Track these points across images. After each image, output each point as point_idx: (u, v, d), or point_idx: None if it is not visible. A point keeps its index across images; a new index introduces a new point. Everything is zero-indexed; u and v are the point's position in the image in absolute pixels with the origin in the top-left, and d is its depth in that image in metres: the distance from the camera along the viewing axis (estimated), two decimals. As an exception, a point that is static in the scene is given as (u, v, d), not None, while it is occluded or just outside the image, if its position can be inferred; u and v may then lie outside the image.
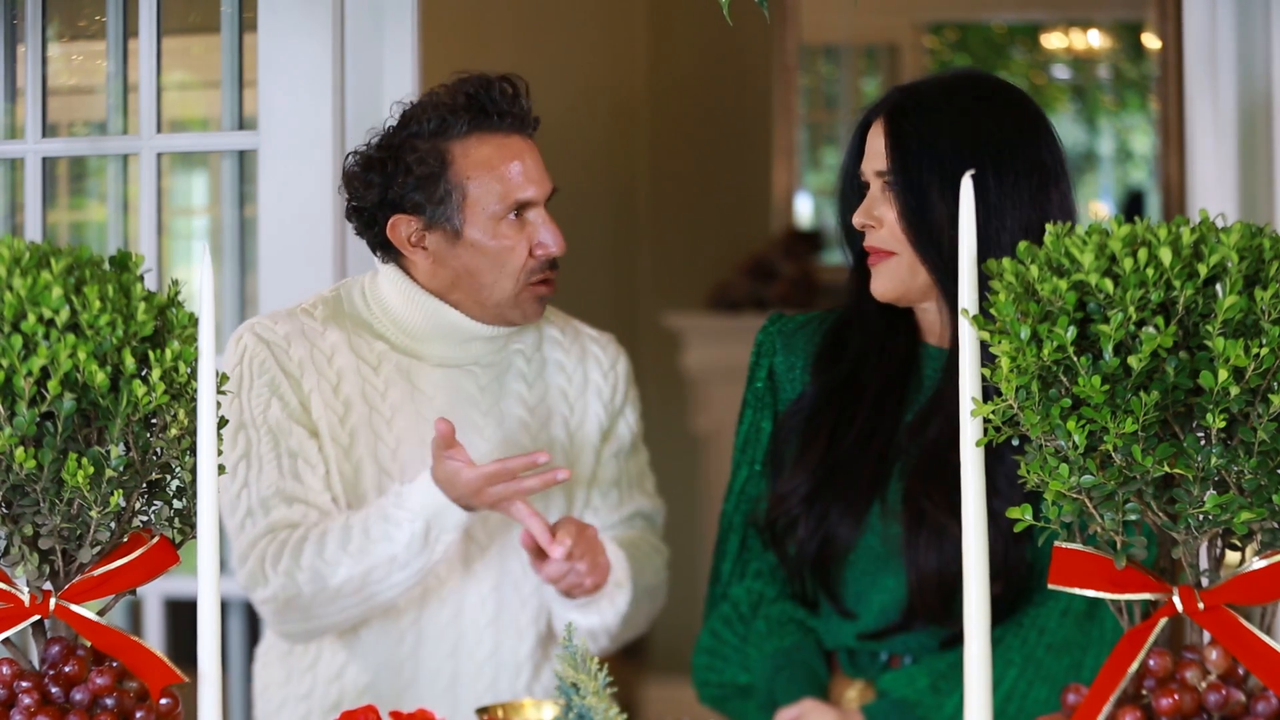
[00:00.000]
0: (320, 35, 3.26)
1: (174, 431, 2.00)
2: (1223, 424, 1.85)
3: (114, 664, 1.98)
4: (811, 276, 5.90)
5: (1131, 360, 1.84)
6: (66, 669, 1.96)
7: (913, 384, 2.69)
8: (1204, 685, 1.89)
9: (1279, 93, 3.05)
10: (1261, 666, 1.87)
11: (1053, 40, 6.26)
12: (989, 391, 1.91)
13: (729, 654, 2.73)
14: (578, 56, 5.82)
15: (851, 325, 2.73)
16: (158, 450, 2.01)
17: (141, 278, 2.03)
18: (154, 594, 3.73)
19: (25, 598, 1.98)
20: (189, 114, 4.04)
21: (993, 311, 1.90)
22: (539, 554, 2.69)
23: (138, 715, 1.97)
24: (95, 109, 3.63)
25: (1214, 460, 1.87)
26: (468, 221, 2.73)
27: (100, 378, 1.93)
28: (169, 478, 2.05)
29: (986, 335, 1.89)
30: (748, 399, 2.78)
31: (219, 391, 1.97)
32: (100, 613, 2.00)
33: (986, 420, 1.90)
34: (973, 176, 2.55)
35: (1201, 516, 1.89)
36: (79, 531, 1.98)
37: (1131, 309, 1.85)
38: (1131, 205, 6.20)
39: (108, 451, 1.96)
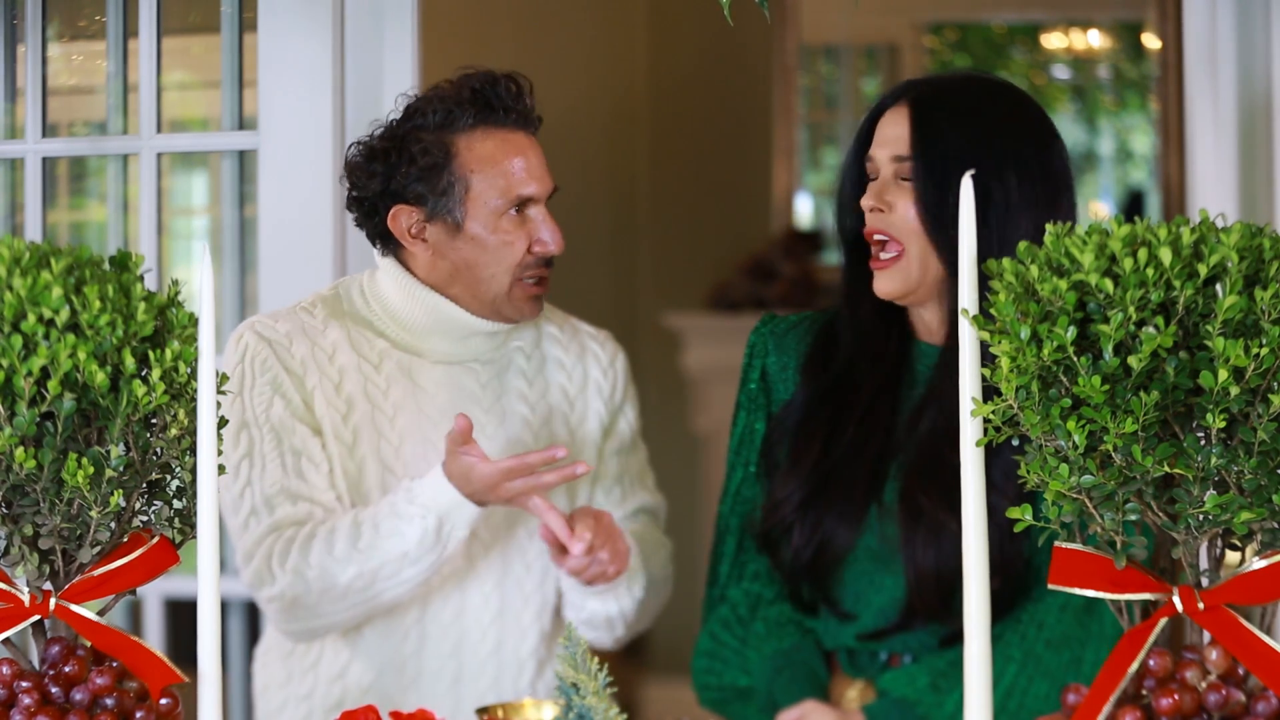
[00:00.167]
0: (320, 35, 3.26)
1: (174, 431, 2.00)
2: (1223, 424, 1.85)
3: (114, 664, 1.98)
4: (811, 276, 5.90)
5: (1131, 360, 1.84)
6: (66, 669, 1.96)
7: (905, 382, 2.69)
8: (1204, 685, 1.89)
9: (1279, 93, 3.05)
10: (1261, 666, 1.87)
11: (1053, 40, 6.26)
12: (989, 391, 1.91)
13: (728, 657, 2.73)
14: (578, 56, 5.82)
15: (841, 327, 2.73)
16: (158, 450, 2.01)
17: (141, 278, 2.03)
18: (154, 594, 3.73)
19: (25, 598, 1.98)
20: (189, 114, 4.04)
21: (993, 311, 1.90)
22: (560, 548, 2.69)
23: (138, 715, 1.97)
24: (95, 109, 3.63)
25: (1214, 460, 1.87)
26: (469, 215, 2.74)
27: (100, 378, 1.93)
28: (169, 478, 2.05)
29: (986, 335, 1.89)
30: (741, 400, 2.78)
31: (219, 391, 1.97)
32: (100, 613, 2.00)
33: (986, 420, 1.90)
34: (992, 178, 2.58)
35: (1201, 516, 1.89)
36: (79, 531, 1.98)
37: (1131, 309, 1.85)
38: (1131, 205, 6.20)
39: (108, 451, 1.96)
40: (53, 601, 1.98)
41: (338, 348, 2.79)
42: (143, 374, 1.97)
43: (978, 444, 1.90)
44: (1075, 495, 1.89)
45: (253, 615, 3.94)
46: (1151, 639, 1.90)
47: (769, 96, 6.09)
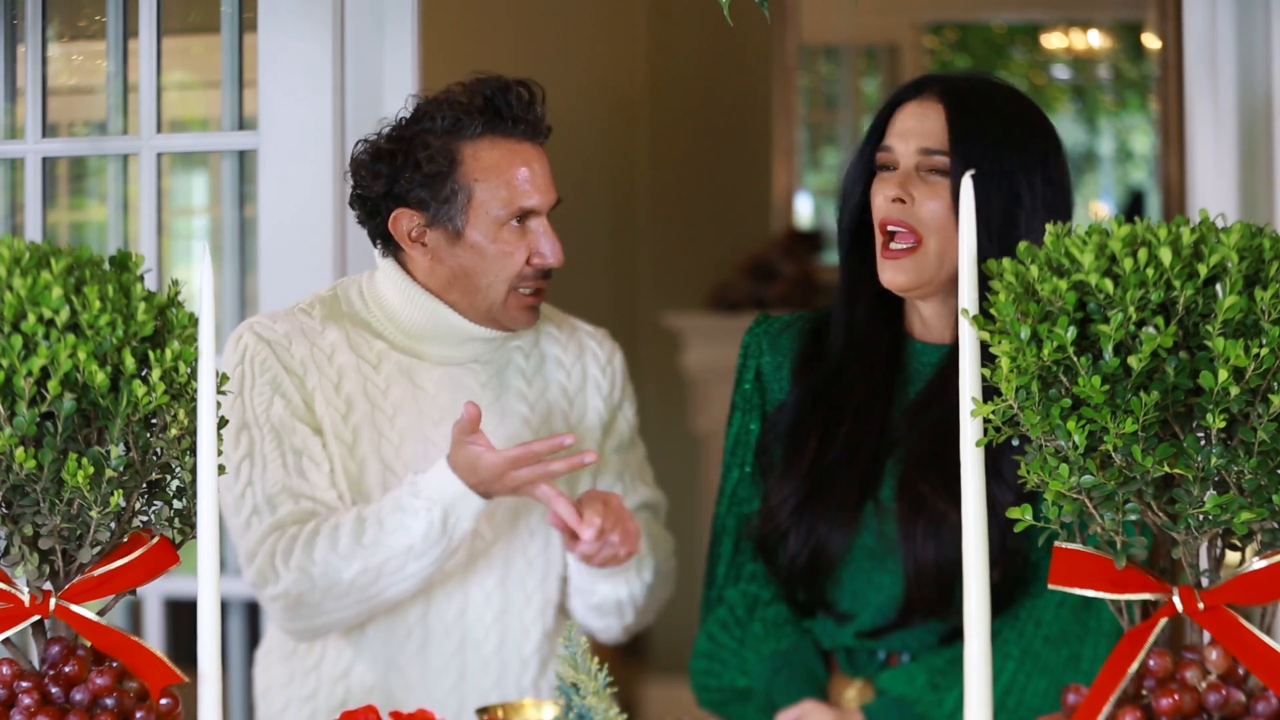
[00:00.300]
0: (320, 35, 3.26)
1: (174, 431, 2.00)
2: (1223, 424, 1.85)
3: (114, 664, 1.98)
4: (811, 276, 5.90)
5: (1131, 360, 1.84)
6: (66, 669, 1.96)
7: (900, 380, 2.69)
8: (1204, 685, 1.89)
9: (1279, 93, 3.05)
10: (1261, 666, 1.87)
11: (1053, 40, 6.26)
12: (989, 391, 1.91)
13: (726, 658, 2.73)
14: (578, 56, 5.82)
15: (834, 325, 2.72)
16: (158, 450, 2.01)
17: (141, 278, 2.03)
18: (154, 594, 3.73)
19: (25, 598, 1.98)
20: (189, 114, 4.04)
21: (993, 311, 1.90)
22: (570, 535, 2.70)
23: (138, 715, 1.97)
24: (95, 109, 3.63)
25: (1214, 460, 1.87)
26: (470, 223, 2.74)
27: (100, 378, 1.93)
28: (169, 478, 2.05)
29: (987, 335, 1.89)
30: (736, 401, 2.79)
31: (219, 392, 1.97)
32: (100, 613, 2.00)
33: (986, 420, 1.90)
34: (1020, 181, 2.59)
35: (1201, 516, 1.89)
36: (79, 531, 1.98)
37: (1131, 309, 1.85)
38: (1131, 205, 6.20)
39: (108, 451, 1.96)
40: (53, 601, 1.98)
41: (336, 348, 2.79)
42: (143, 374, 1.97)
43: (978, 444, 1.90)
44: (1075, 495, 1.89)
45: (253, 615, 3.94)
46: (1151, 639, 1.90)
47: (769, 96, 6.08)
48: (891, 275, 2.62)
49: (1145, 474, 1.87)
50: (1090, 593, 1.92)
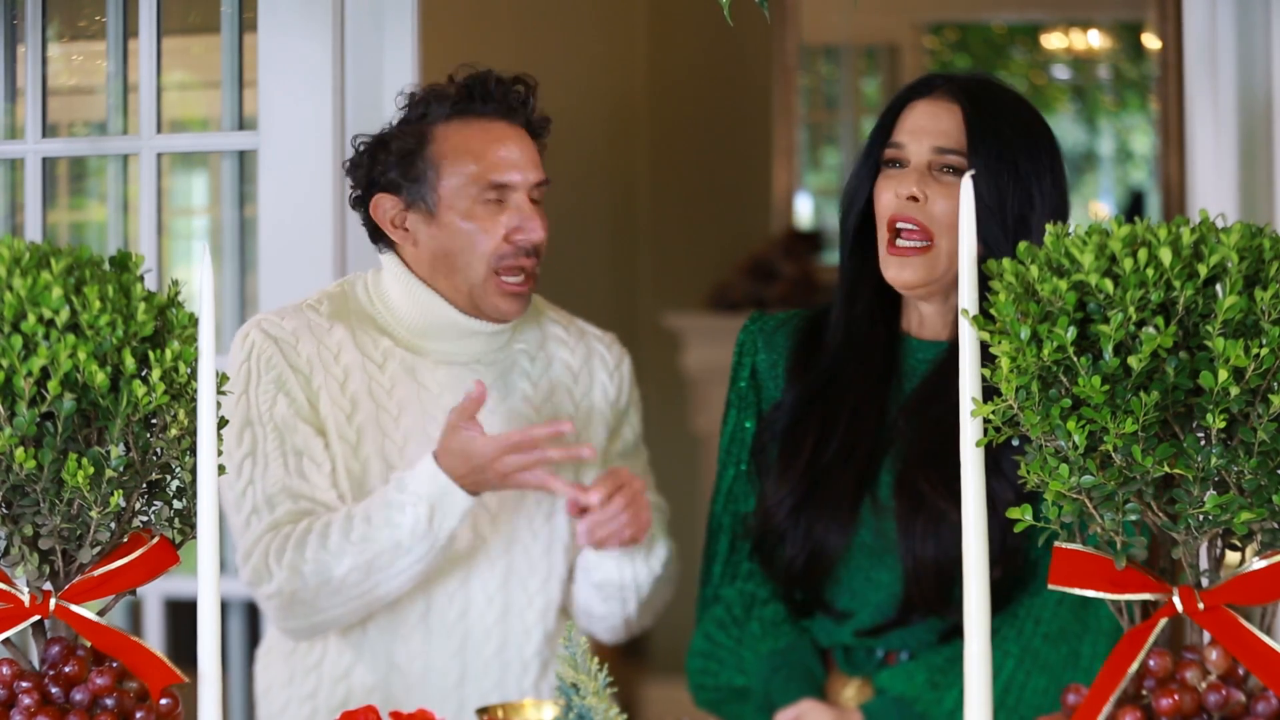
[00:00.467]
0: (320, 35, 3.26)
1: (174, 432, 2.00)
2: (1223, 424, 1.85)
3: (114, 664, 1.98)
4: (811, 276, 5.90)
5: (1131, 360, 1.84)
6: (66, 669, 1.96)
7: (894, 378, 2.69)
8: (1204, 685, 1.89)
9: (1279, 93, 3.05)
10: (1261, 666, 1.87)
11: (1053, 40, 6.26)
12: (989, 391, 1.91)
13: (724, 657, 2.73)
14: (578, 56, 5.82)
15: (831, 323, 2.72)
16: (158, 450, 2.01)
17: (141, 278, 2.03)
18: (154, 594, 3.73)
19: (25, 598, 1.98)
20: (189, 114, 4.04)
21: (993, 312, 1.90)
22: (580, 511, 2.69)
23: (138, 715, 1.97)
24: (95, 109, 3.63)
25: (1214, 460, 1.87)
26: (442, 201, 2.75)
27: (100, 378, 1.93)
28: (169, 478, 2.05)
29: (987, 335, 1.89)
30: (731, 399, 2.79)
31: (219, 392, 1.97)
32: (100, 613, 2.00)
33: (986, 420, 1.90)
34: (1033, 182, 2.59)
35: (1201, 517, 1.89)
36: (79, 532, 1.98)
37: (1131, 309, 1.85)
38: (1132, 205, 6.20)
39: (108, 452, 1.96)
40: (53, 602, 1.98)
41: (343, 346, 2.79)
42: (143, 374, 1.97)
43: (977, 444, 1.90)
44: (1075, 495, 1.89)
45: (253, 615, 3.94)
46: (1151, 639, 1.90)
47: (769, 96, 6.08)
48: (897, 272, 2.62)
49: (1145, 474, 1.87)
50: (1090, 593, 1.92)
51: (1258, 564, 1.91)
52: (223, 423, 1.99)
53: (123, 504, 2.00)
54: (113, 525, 2.01)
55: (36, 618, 1.99)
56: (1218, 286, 1.85)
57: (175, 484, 2.05)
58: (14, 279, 1.92)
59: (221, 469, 1.99)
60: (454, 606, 2.80)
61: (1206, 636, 1.91)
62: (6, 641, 1.99)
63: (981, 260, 2.58)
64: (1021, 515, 1.90)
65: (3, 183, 3.55)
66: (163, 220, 3.44)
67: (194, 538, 2.01)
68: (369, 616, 2.79)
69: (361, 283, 2.86)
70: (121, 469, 1.97)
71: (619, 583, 2.80)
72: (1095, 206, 6.26)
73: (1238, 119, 3.08)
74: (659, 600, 2.88)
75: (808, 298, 5.74)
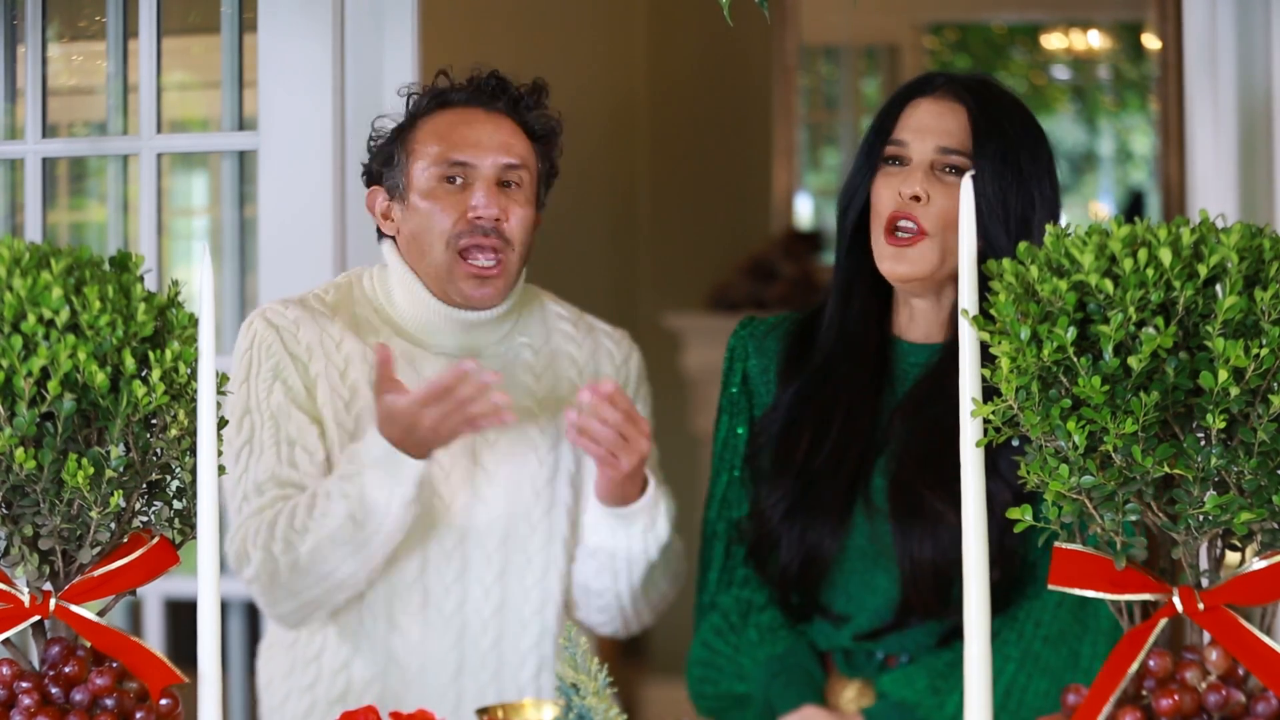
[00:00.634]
0: (320, 35, 3.26)
1: (174, 432, 2.00)
2: (1223, 424, 1.85)
3: (114, 664, 1.98)
4: (811, 277, 5.90)
5: (1131, 361, 1.84)
6: (66, 669, 1.96)
7: (886, 381, 2.68)
8: (1204, 685, 1.89)
9: (1279, 93, 3.05)
10: (1261, 667, 1.87)
11: (1053, 40, 6.26)
12: (989, 391, 1.91)
13: (723, 664, 2.72)
14: (578, 56, 5.82)
15: (824, 324, 2.72)
16: (158, 450, 2.01)
17: (141, 278, 2.03)
18: (154, 594, 3.74)
19: (25, 598, 1.98)
20: (189, 114, 4.04)
21: (993, 312, 1.90)
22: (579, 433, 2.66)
23: (138, 716, 1.97)
24: (95, 109, 3.63)
25: (1214, 461, 1.87)
26: (410, 185, 2.78)
27: (100, 378, 1.93)
28: (169, 478, 2.05)
29: (987, 336, 1.89)
30: (723, 405, 2.78)
31: (219, 392, 1.97)
32: (100, 613, 2.00)
33: (986, 421, 1.90)
34: (1033, 183, 2.60)
35: (1201, 517, 1.89)
36: (79, 532, 1.98)
37: (1131, 309, 1.85)
38: (1131, 205, 6.20)
39: (108, 452, 1.96)
40: (53, 602, 1.98)
41: (345, 335, 2.80)
42: (143, 374, 1.97)
43: (978, 444, 1.90)
44: (1075, 496, 1.89)
45: (253, 615, 3.94)
46: (1151, 639, 1.90)
47: (769, 96, 6.08)
48: (897, 266, 2.62)
49: (1145, 474, 1.87)
50: (1090, 593, 1.92)
51: (1258, 564, 1.91)
52: (223, 423, 1.99)
53: (123, 504, 2.00)
54: (113, 525, 2.01)
55: (36, 618, 1.99)
56: (1218, 287, 1.86)
57: (175, 484, 2.06)
58: (14, 279, 1.92)
59: (222, 469, 1.99)
60: (451, 598, 2.80)
61: (1206, 637, 1.91)
62: (6, 642, 1.99)
63: (983, 260, 2.60)
64: (1022, 516, 1.90)
65: (3, 183, 3.55)
66: (163, 220, 3.44)
67: (194, 538, 2.01)
68: (365, 607, 2.79)
69: (369, 275, 2.88)
70: (121, 469, 1.97)
71: (611, 550, 2.77)
72: (1095, 206, 6.26)
73: (1238, 119, 3.08)
74: (656, 593, 2.86)
75: (808, 298, 5.73)
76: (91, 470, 1.94)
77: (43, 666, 1.99)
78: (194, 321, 2.01)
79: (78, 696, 1.95)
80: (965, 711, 1.89)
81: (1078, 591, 1.92)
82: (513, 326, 2.86)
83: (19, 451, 1.92)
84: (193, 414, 2.00)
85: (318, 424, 2.76)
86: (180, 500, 2.06)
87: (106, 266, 2.03)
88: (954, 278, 2.62)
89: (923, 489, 2.59)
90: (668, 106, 6.12)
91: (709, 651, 2.73)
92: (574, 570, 2.85)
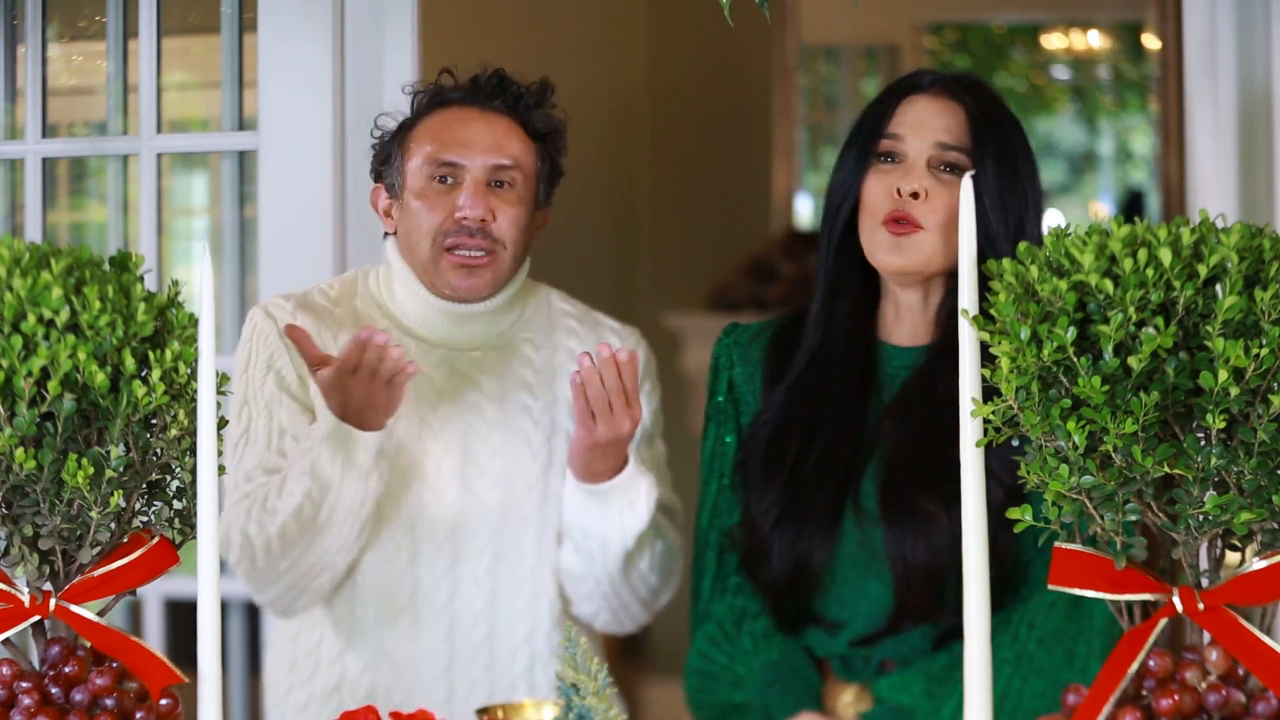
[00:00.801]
0: (320, 35, 3.26)
1: (174, 432, 2.00)
2: (1223, 424, 1.85)
3: (114, 664, 1.98)
4: (811, 277, 5.88)
5: (1131, 361, 1.84)
6: (66, 669, 1.96)
7: (873, 385, 2.68)
8: (1204, 686, 1.89)
9: (1279, 93, 3.05)
10: (1261, 667, 1.87)
11: (1053, 41, 6.27)
12: (989, 391, 1.91)
13: (719, 674, 2.71)
14: (578, 56, 5.82)
15: (810, 327, 2.72)
16: (158, 451, 2.01)
17: (141, 278, 2.03)
18: (154, 594, 3.73)
19: (25, 598, 1.98)
20: (189, 114, 4.04)
21: (992, 312, 1.90)
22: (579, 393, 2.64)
23: (138, 716, 1.97)
24: (95, 109, 3.63)
25: (1214, 461, 1.87)
26: (404, 183, 2.80)
27: (100, 378, 1.93)
28: (169, 478, 2.05)
29: (987, 336, 1.89)
30: (709, 413, 2.78)
31: (219, 392, 1.97)
32: (100, 613, 2.00)
33: (986, 421, 1.90)
34: (1028, 183, 2.60)
35: (1201, 517, 1.89)
36: (79, 532, 1.98)
37: (1131, 309, 1.85)
38: (1131, 205, 6.20)
39: (108, 452, 1.96)
40: (53, 602, 1.98)
41: (344, 326, 2.80)
42: (143, 374, 1.97)
43: (978, 444, 1.90)
44: (1075, 496, 1.89)
45: (253, 615, 3.94)
46: (1151, 639, 1.90)
47: (769, 96, 6.08)
48: (892, 256, 2.61)
49: (1145, 474, 1.87)
50: (1091, 593, 1.92)
51: (1258, 564, 1.91)
52: (223, 423, 1.99)
53: (123, 504, 2.00)
54: (113, 525, 2.01)
55: (36, 618, 1.99)
56: (1218, 287, 1.86)
57: (175, 484, 2.06)
58: (14, 279, 1.92)
59: (222, 469, 1.99)
60: (441, 591, 2.80)
61: (1206, 636, 1.91)
62: (6, 642, 1.99)
63: (983, 260, 2.60)
64: (1021, 515, 1.90)
65: (3, 183, 3.55)
66: (163, 220, 3.44)
67: (194, 538, 2.01)
68: (357, 599, 2.79)
69: (375, 272, 2.89)
70: (121, 469, 1.97)
71: (585, 528, 2.75)
72: (1095, 206, 6.27)
73: (1238, 119, 3.08)
74: (645, 586, 2.84)
75: (808, 298, 5.72)
76: (91, 470, 1.94)
77: (43, 666, 1.99)
78: (194, 321, 2.02)
79: (78, 696, 1.95)
80: (965, 712, 1.89)
81: (1078, 592, 1.92)
82: (515, 321, 2.86)
83: (19, 451, 1.92)
84: (193, 414, 2.00)
85: (309, 412, 2.76)
86: (180, 500, 2.06)
87: (106, 266, 2.03)
88: (945, 275, 2.62)
89: (914, 491, 2.59)
90: (668, 106, 6.12)
91: (705, 661, 2.73)
92: (559, 559, 2.83)
